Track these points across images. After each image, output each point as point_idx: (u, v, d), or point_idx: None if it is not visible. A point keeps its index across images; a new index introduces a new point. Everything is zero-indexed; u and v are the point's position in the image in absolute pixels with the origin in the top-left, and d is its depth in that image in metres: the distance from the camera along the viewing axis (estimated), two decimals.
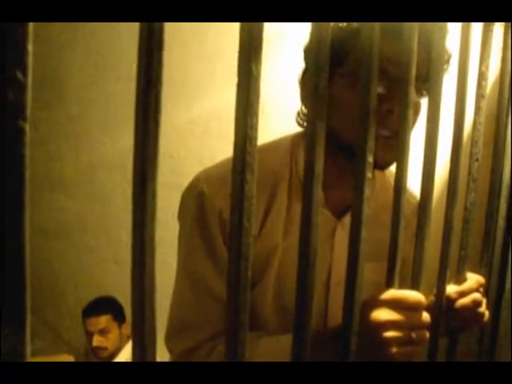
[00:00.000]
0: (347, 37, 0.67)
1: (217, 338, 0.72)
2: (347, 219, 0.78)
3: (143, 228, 0.29)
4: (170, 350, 0.76)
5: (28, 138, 0.22)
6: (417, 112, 0.74)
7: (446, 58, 0.69)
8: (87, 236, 2.63)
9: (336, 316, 0.78)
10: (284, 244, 0.75)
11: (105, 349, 1.99)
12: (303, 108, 0.79)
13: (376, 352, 0.53)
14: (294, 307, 0.72)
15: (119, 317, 2.04)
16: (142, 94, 0.28)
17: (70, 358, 2.23)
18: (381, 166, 0.70)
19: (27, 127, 0.22)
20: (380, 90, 0.65)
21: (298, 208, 0.76)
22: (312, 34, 0.41)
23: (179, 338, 0.74)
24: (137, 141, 0.28)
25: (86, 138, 2.63)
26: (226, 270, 0.71)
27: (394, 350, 0.53)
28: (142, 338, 0.32)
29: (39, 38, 2.77)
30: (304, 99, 0.78)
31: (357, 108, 0.65)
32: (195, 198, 0.74)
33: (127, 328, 2.07)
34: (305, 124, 0.80)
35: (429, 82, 0.56)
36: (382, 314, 0.54)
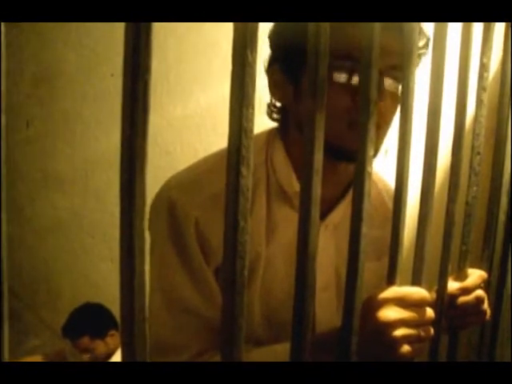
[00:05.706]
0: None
1: (201, 355, 0.68)
2: (330, 220, 0.75)
3: (132, 225, 0.28)
4: None
5: (3, 126, 0.20)
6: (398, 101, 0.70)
7: (422, 43, 0.66)
8: (83, 234, 2.61)
9: (324, 322, 0.74)
10: (267, 252, 0.71)
11: (97, 353, 1.92)
12: (273, 100, 0.74)
13: (385, 352, 0.52)
14: (282, 316, 0.69)
15: (100, 332, 1.93)
16: (130, 83, 0.27)
17: (38, 359, 2.05)
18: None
19: (3, 117, 0.20)
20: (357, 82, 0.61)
21: (279, 212, 0.72)
22: (310, 24, 0.39)
23: (161, 359, 0.68)
24: (124, 133, 0.27)
25: (80, 135, 2.61)
26: (204, 281, 0.67)
27: (406, 348, 0.51)
28: (131, 338, 0.30)
29: (32, 34, 2.73)
30: (272, 91, 0.72)
31: (330, 103, 0.63)
32: (166, 208, 0.68)
33: (114, 334, 1.96)
34: (274, 116, 0.75)
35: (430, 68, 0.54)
36: (389, 313, 0.51)
